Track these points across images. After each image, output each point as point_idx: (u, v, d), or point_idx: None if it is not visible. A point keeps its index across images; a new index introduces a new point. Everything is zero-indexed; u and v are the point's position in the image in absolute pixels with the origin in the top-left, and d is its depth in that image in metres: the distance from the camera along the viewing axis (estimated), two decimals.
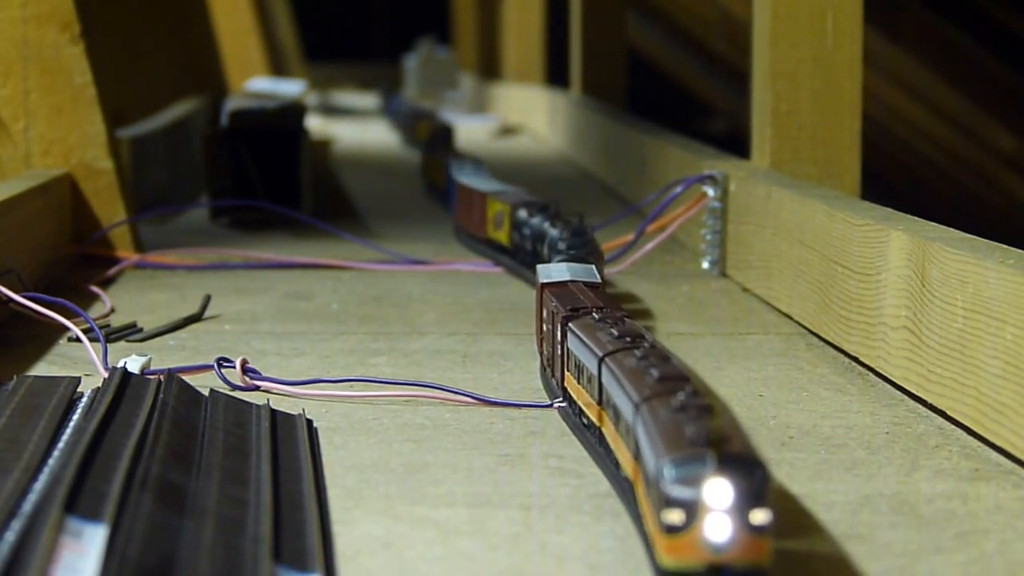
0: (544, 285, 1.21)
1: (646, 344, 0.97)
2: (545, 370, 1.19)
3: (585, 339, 1.02)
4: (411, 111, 3.66)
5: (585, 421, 1.03)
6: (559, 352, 1.12)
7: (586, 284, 1.21)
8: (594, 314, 1.08)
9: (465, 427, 1.08)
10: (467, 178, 1.93)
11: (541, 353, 1.22)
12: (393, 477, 0.96)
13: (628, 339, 0.99)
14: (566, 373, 1.10)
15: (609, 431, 0.94)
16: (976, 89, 3.80)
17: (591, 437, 1.00)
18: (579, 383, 1.04)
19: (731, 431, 0.77)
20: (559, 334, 1.12)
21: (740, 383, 1.22)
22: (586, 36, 3.37)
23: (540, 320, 1.23)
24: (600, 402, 0.97)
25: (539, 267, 1.29)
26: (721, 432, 0.77)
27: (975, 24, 3.74)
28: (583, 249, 1.44)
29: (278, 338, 1.38)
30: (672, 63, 5.67)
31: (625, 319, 1.06)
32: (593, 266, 1.29)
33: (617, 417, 0.91)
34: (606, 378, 0.95)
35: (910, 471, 0.98)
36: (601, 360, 0.96)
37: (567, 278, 1.23)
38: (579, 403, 1.05)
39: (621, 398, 0.89)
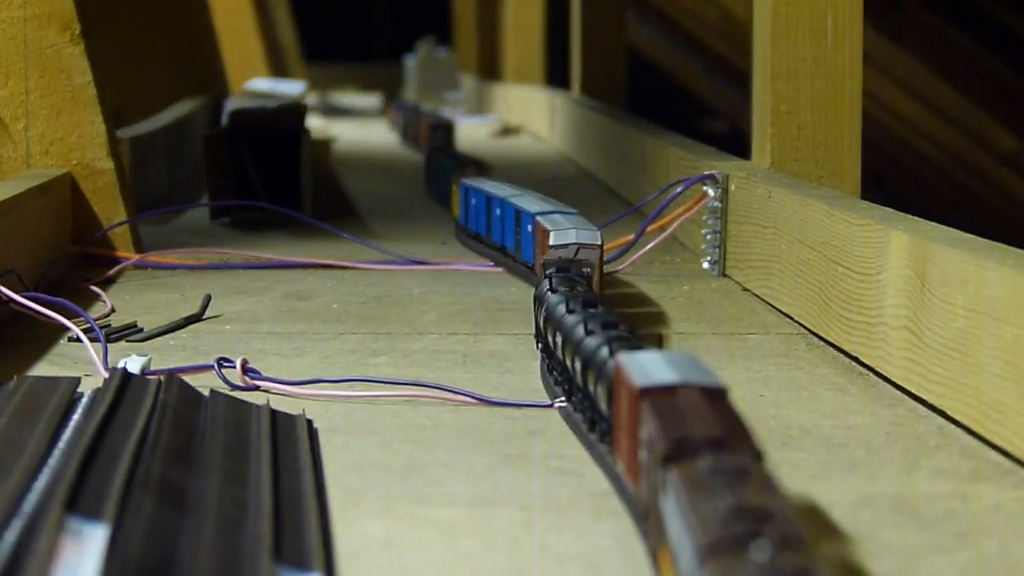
0: (644, 392, 0.82)
1: (774, 533, 0.63)
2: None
3: (683, 507, 0.68)
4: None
5: None
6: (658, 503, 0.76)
7: (703, 391, 0.82)
8: (708, 458, 0.72)
9: (465, 427, 1.08)
10: (543, 218, 1.56)
11: (630, 478, 0.86)
12: (393, 477, 0.96)
13: (748, 522, 0.64)
14: (664, 545, 0.74)
15: None
16: (976, 89, 3.80)
17: None
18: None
19: None
20: (660, 473, 0.75)
21: (740, 383, 1.22)
22: (586, 36, 3.37)
23: (626, 433, 0.87)
24: None
25: (625, 358, 0.88)
26: None
27: (975, 24, 3.74)
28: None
29: (278, 338, 1.38)
30: (672, 63, 5.67)
31: (752, 468, 0.72)
32: (695, 358, 0.88)
33: None
34: None
35: (910, 471, 0.98)
36: (700, 560, 0.63)
37: (675, 380, 0.83)
38: None
39: None
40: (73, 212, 1.76)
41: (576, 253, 1.39)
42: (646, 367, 0.85)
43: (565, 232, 1.44)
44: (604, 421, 0.95)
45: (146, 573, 0.71)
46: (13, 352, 1.31)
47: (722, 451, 0.73)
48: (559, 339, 1.10)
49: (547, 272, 1.29)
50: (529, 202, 1.64)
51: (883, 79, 3.90)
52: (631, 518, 0.87)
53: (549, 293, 1.20)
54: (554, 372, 1.14)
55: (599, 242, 1.42)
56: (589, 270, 1.38)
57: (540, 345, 1.23)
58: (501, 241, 1.72)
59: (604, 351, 0.97)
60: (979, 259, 1.04)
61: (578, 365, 1.02)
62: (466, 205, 1.86)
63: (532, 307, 1.30)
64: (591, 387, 0.99)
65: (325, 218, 2.02)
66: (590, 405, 1.00)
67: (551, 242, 1.42)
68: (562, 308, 1.12)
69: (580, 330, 1.05)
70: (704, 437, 0.75)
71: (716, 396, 0.81)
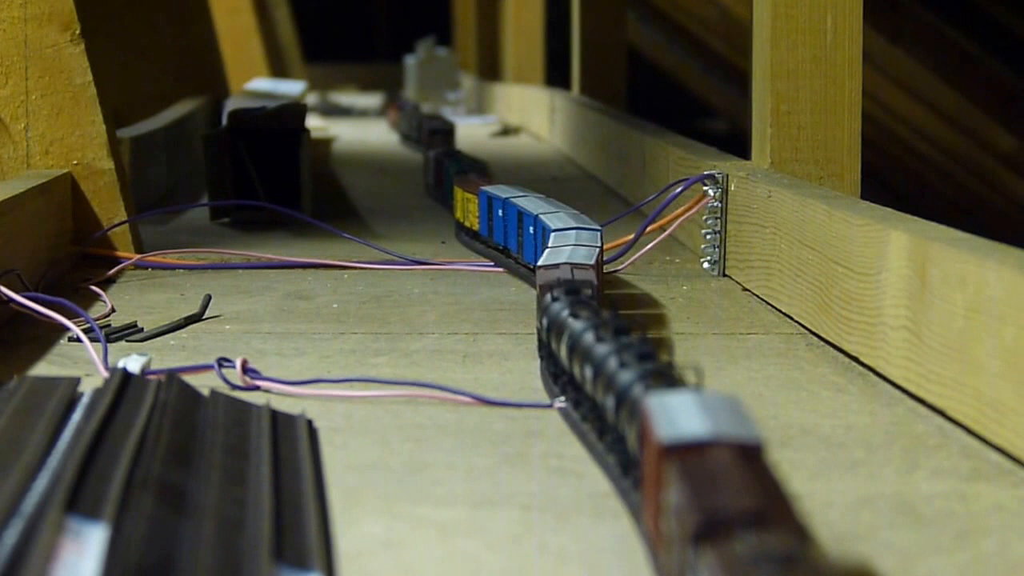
0: (669, 451, 0.73)
1: None
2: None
3: None
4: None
5: None
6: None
7: (737, 449, 0.72)
8: (747, 539, 0.62)
9: (465, 427, 1.08)
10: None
11: (653, 542, 0.78)
12: (393, 477, 0.96)
13: None
14: None
15: None
16: (976, 89, 3.80)
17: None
18: None
19: None
20: (690, 553, 0.66)
21: (740, 383, 1.22)
22: (586, 36, 3.38)
23: (652, 490, 0.78)
24: None
25: (653, 402, 0.79)
26: None
27: (975, 24, 3.74)
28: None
29: (278, 338, 1.38)
30: (672, 63, 5.68)
31: (800, 552, 0.61)
32: (736, 400, 0.79)
33: None
34: None
35: (910, 471, 0.98)
36: None
37: (705, 434, 0.73)
38: None
39: None
40: (73, 212, 1.76)
41: (571, 273, 1.30)
42: (675, 415, 0.76)
43: (557, 251, 1.39)
44: (638, 468, 0.85)
45: (146, 573, 0.71)
46: (13, 352, 1.31)
47: (763, 528, 0.63)
48: (587, 371, 1.00)
49: (554, 295, 1.16)
50: (557, 219, 1.56)
51: (883, 79, 3.90)
52: (629, 516, 0.87)
53: (571, 320, 1.07)
54: (581, 407, 1.04)
55: (592, 263, 1.34)
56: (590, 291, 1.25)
57: (548, 365, 1.15)
58: (534, 261, 1.59)
59: (638, 388, 0.87)
60: (979, 259, 1.04)
61: (610, 402, 0.93)
62: (488, 215, 1.78)
63: (535, 315, 1.29)
64: (623, 428, 0.90)
65: (325, 218, 2.02)
66: (624, 448, 0.90)
67: (540, 262, 1.35)
68: (590, 336, 1.01)
69: (613, 363, 0.94)
70: (741, 511, 0.64)
71: (751, 455, 0.71)
